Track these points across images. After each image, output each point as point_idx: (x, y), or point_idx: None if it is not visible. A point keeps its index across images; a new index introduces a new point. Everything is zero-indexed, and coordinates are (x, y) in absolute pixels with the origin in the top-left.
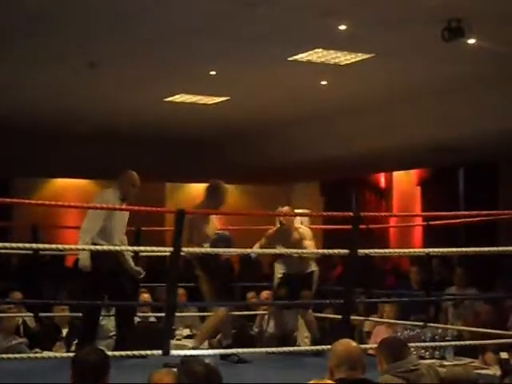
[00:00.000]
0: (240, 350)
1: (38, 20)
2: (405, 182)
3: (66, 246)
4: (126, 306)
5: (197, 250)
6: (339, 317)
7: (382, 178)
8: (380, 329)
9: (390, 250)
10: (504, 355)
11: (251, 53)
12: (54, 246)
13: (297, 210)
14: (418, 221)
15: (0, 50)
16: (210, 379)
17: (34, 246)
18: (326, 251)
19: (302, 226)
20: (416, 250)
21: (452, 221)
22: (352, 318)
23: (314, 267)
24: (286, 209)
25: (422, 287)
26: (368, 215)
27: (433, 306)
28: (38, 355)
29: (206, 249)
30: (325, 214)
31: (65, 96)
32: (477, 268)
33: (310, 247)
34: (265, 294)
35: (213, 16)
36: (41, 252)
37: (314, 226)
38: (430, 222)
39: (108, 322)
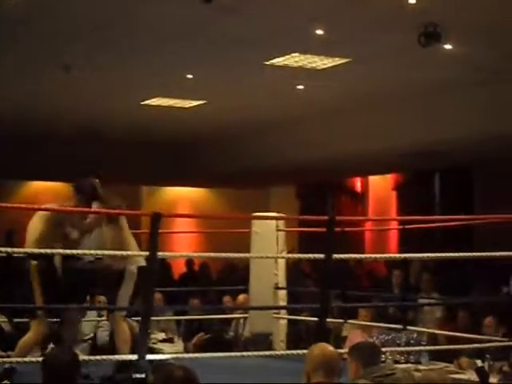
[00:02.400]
0: (215, 355)
1: (15, 23)
2: (381, 186)
3: (42, 250)
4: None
5: (173, 254)
6: (315, 319)
7: (358, 183)
8: (356, 333)
9: (366, 255)
10: (479, 363)
11: (228, 57)
12: (28, 250)
13: (272, 214)
14: (394, 225)
15: None
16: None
17: (9, 250)
18: (302, 255)
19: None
20: (391, 255)
21: (427, 225)
22: (328, 321)
23: None
24: None
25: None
26: (343, 219)
27: (410, 311)
28: (12, 359)
29: (182, 253)
30: (300, 217)
31: (41, 99)
32: (451, 273)
33: None
34: (241, 297)
35: (190, 21)
36: (15, 255)
37: (289, 229)
38: (406, 226)
39: (84, 326)
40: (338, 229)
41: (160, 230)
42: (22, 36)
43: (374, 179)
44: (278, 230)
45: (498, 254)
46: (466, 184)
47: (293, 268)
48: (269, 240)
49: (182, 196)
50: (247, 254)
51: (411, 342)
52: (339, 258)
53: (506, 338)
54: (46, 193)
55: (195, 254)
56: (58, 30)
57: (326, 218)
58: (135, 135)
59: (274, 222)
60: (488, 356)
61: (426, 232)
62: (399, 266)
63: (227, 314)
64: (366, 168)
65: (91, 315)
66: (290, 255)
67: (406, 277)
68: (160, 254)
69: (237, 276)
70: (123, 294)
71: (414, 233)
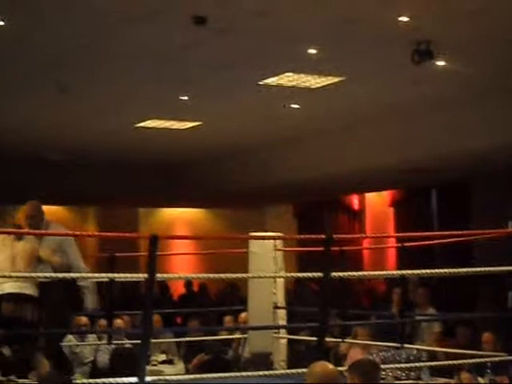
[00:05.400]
0: (216, 375)
1: (7, 46)
2: (377, 203)
3: (26, 274)
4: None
5: (171, 276)
6: (314, 339)
7: (354, 200)
8: (356, 350)
9: (364, 273)
10: (481, 379)
11: (222, 78)
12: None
13: (270, 233)
14: (392, 241)
15: None
16: None
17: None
18: (300, 274)
19: None
20: (389, 272)
21: (425, 242)
22: (327, 340)
23: None
24: None
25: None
26: (341, 237)
27: (408, 327)
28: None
29: (180, 275)
30: (297, 236)
31: (35, 122)
32: (453, 289)
33: None
34: (243, 315)
35: (184, 42)
36: None
37: (287, 249)
38: (405, 244)
39: (84, 349)
40: (336, 248)
41: (158, 252)
42: (12, 58)
43: (370, 196)
44: (276, 250)
45: (497, 268)
46: (463, 200)
47: (300, 286)
48: (266, 259)
49: (179, 217)
50: (244, 275)
51: (411, 358)
52: (337, 276)
53: (504, 353)
54: None
55: (193, 276)
56: (49, 52)
57: (322, 236)
58: (130, 157)
59: (271, 241)
60: (489, 371)
61: (425, 248)
62: (398, 283)
63: (227, 334)
64: (362, 185)
65: (91, 339)
66: (287, 274)
67: (404, 293)
68: (158, 276)
69: (236, 296)
70: None
71: (413, 249)
